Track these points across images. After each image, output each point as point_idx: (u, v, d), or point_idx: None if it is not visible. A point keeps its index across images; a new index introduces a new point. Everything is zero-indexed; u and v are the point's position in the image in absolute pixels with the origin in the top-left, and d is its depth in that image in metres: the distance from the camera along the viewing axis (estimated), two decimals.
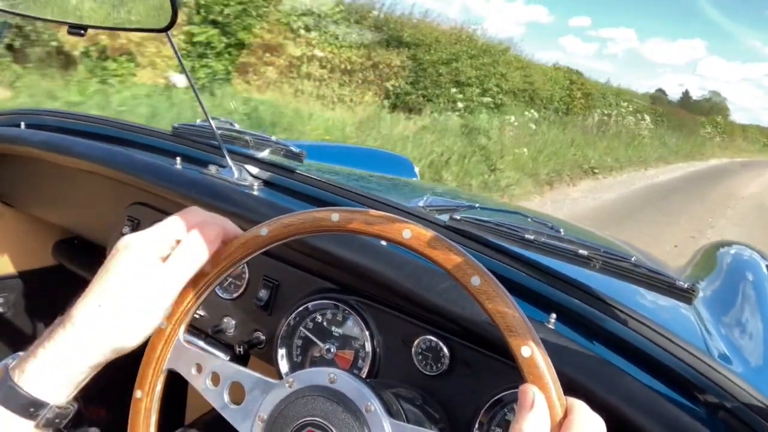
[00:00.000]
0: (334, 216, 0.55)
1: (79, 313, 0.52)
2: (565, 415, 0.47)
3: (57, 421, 0.51)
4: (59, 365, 0.50)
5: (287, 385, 0.57)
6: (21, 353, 0.53)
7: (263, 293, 0.92)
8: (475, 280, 0.50)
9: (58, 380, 0.51)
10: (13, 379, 0.50)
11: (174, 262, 0.56)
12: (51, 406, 0.51)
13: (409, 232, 0.52)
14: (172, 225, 0.57)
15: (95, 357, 0.52)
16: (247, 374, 0.60)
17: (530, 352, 0.47)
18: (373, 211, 0.54)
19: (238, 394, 0.60)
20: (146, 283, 0.54)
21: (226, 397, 0.60)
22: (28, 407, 0.49)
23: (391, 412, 0.55)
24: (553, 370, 0.48)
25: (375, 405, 0.54)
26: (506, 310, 0.49)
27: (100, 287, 0.53)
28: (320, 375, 0.57)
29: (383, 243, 0.80)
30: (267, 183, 1.11)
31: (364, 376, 0.81)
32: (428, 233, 0.52)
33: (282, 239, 0.57)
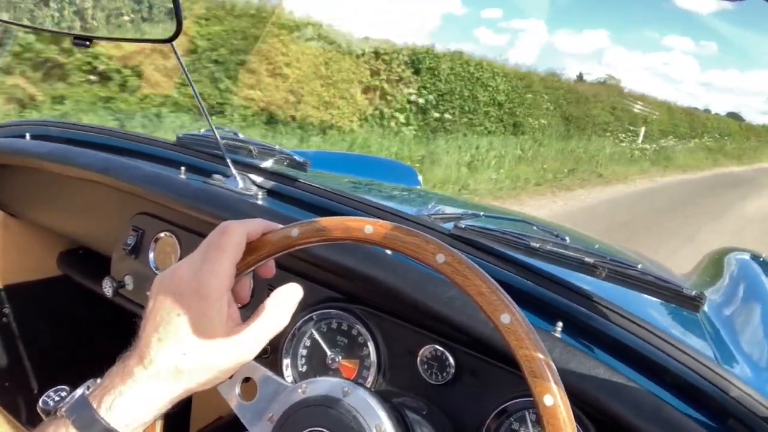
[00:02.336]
0: (368, 228, 0.54)
1: (161, 358, 0.52)
2: None
3: None
4: (143, 404, 0.52)
5: (300, 390, 0.57)
6: (91, 382, 0.55)
7: None
8: (505, 318, 0.49)
9: (141, 418, 0.52)
10: (96, 410, 0.51)
11: (255, 326, 0.56)
12: None
13: (443, 256, 0.52)
14: (227, 258, 0.56)
15: (176, 398, 0.54)
16: (261, 371, 0.60)
17: (552, 402, 0.47)
18: (407, 229, 0.54)
19: (249, 390, 0.60)
20: (230, 345, 0.54)
21: (238, 391, 0.60)
22: None
23: None
24: (573, 420, 0.48)
25: (385, 426, 0.54)
26: (534, 355, 0.48)
27: (185, 334, 0.53)
28: (334, 386, 0.57)
29: (388, 252, 0.80)
30: (271, 192, 1.11)
31: (369, 386, 0.81)
32: (462, 260, 0.51)
33: (312, 242, 0.57)
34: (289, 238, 0.57)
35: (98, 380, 0.54)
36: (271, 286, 0.92)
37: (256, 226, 0.59)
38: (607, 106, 15.46)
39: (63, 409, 0.52)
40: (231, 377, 0.60)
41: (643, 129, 17.18)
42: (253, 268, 0.59)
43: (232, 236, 0.56)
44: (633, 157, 15.32)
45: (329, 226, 0.56)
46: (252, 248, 0.58)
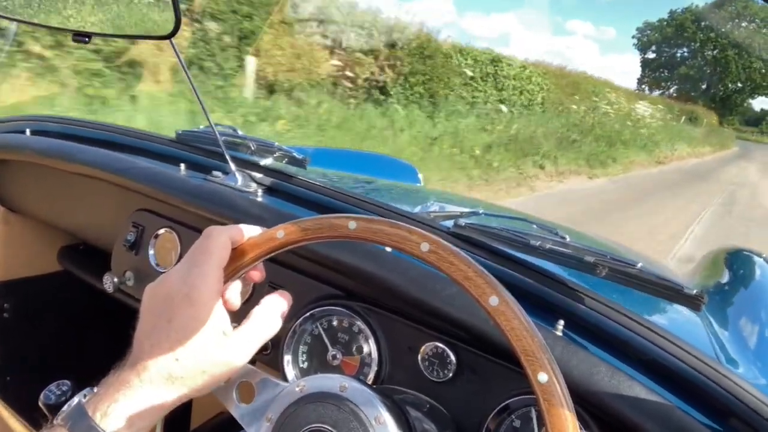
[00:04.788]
0: (352, 224, 0.54)
1: (154, 364, 0.52)
2: None
3: None
4: (138, 411, 0.52)
5: (297, 388, 0.57)
6: (88, 390, 0.55)
7: None
8: (494, 300, 0.49)
9: (136, 424, 0.52)
10: (92, 417, 0.51)
11: (247, 331, 0.57)
12: None
13: (427, 245, 0.51)
14: (214, 262, 0.56)
15: (171, 404, 0.54)
16: (257, 374, 0.60)
17: (546, 378, 0.47)
18: (391, 222, 0.54)
19: (247, 393, 0.60)
20: (222, 349, 0.55)
21: (236, 396, 0.60)
22: None
23: (400, 425, 0.55)
24: (569, 397, 0.47)
25: (385, 417, 0.54)
26: (524, 333, 0.48)
27: (177, 339, 0.53)
28: (331, 382, 0.57)
29: (388, 249, 0.80)
30: (270, 189, 1.11)
31: (370, 383, 0.81)
32: (447, 247, 0.51)
33: (298, 243, 0.57)
34: (275, 240, 0.57)
35: (95, 389, 0.55)
36: (272, 283, 0.92)
37: (239, 230, 0.59)
38: None
39: (60, 418, 0.52)
40: (227, 382, 0.59)
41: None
42: (241, 272, 0.59)
43: (217, 240, 0.57)
44: None
45: (314, 225, 0.56)
46: (238, 253, 0.58)
